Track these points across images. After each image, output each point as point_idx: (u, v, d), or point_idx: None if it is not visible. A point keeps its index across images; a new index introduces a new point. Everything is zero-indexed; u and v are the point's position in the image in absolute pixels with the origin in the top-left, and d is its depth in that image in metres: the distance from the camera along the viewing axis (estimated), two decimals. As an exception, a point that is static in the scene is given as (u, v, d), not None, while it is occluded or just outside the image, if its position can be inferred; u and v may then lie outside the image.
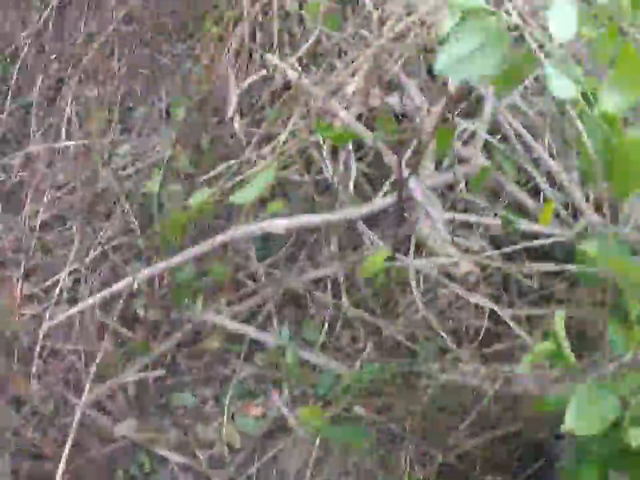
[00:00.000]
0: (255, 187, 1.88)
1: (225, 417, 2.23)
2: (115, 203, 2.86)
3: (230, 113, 2.45)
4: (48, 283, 2.63)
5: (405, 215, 1.83)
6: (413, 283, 1.88)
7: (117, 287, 2.07)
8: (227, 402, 2.25)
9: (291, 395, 2.28)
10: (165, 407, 2.36)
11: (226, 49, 2.68)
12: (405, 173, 1.73)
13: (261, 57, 2.66)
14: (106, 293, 2.08)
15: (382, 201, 1.91)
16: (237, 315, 2.35)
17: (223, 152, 2.57)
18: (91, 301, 2.09)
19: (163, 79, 3.07)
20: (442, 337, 1.96)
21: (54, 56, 3.34)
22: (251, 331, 2.28)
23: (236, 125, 2.50)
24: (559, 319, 1.41)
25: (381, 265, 1.78)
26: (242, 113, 2.64)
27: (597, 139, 1.24)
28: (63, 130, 3.04)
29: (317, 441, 2.13)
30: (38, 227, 2.83)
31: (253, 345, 2.37)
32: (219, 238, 1.89)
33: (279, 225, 1.79)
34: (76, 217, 2.88)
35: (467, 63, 1.10)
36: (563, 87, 1.11)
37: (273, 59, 2.42)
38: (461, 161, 1.95)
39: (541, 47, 1.16)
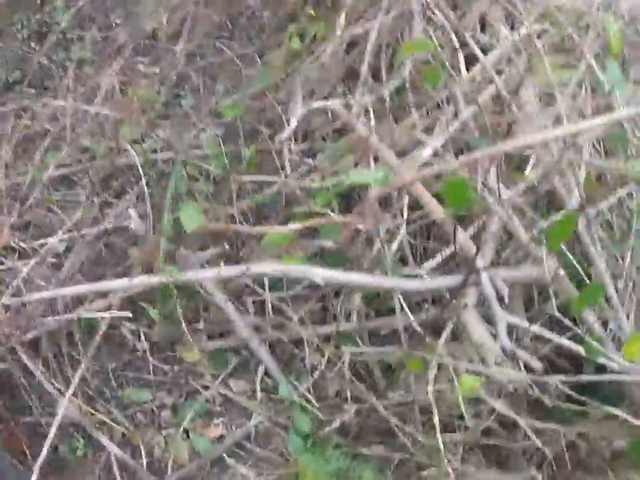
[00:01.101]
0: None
1: (180, 429, 2.08)
2: (131, 182, 2.68)
3: (286, 134, 2.20)
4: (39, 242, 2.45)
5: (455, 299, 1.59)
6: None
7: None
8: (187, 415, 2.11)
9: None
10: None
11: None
12: (478, 259, 1.47)
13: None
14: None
15: (444, 279, 1.64)
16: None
17: (263, 169, 2.34)
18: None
19: (224, 74, 2.84)
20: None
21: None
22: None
23: (287, 148, 2.26)
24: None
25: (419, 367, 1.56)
26: (295, 138, 2.42)
27: None
28: (102, 93, 2.82)
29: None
30: (45, 182, 2.63)
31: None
32: (250, 268, 1.63)
33: (317, 274, 1.53)
34: (86, 185, 2.67)
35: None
36: None
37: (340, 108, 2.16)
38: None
39: None
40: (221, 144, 2.23)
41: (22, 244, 2.50)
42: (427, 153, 1.89)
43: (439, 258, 1.81)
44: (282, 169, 2.23)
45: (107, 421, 2.11)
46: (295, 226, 1.67)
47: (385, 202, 2.12)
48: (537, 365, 1.57)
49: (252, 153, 2.21)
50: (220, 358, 2.23)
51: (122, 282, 1.83)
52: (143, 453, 2.08)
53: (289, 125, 2.12)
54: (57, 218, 2.57)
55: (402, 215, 1.92)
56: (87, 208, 2.50)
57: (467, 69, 2.22)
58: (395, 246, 1.92)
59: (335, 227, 1.96)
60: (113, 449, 2.04)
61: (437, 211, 1.65)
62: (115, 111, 2.64)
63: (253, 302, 2.22)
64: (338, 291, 2.04)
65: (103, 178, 2.68)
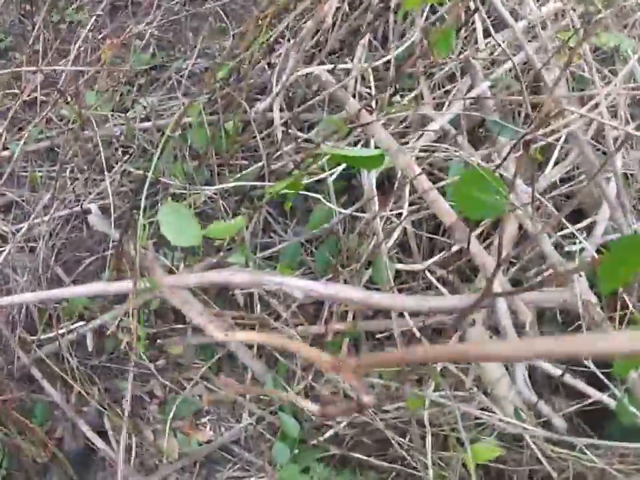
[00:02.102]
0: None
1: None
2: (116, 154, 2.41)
3: (264, 105, 1.90)
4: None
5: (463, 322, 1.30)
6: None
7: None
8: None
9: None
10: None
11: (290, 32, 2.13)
12: (495, 281, 1.17)
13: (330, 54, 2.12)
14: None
15: (450, 300, 1.29)
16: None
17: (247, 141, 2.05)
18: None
19: (214, 37, 2.54)
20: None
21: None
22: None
23: (276, 117, 1.95)
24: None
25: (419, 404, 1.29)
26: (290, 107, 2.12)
27: None
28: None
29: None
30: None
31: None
32: (217, 277, 1.35)
33: (295, 286, 1.23)
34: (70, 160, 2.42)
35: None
36: None
37: (326, 76, 1.83)
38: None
39: None
40: (202, 113, 1.91)
41: (4, 227, 2.31)
42: (433, 128, 1.59)
43: (443, 253, 1.52)
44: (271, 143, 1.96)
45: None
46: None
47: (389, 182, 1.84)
48: (560, 423, 1.28)
49: (235, 123, 1.90)
50: (206, 351, 2.00)
51: (88, 288, 1.56)
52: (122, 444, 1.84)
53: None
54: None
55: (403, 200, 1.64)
56: (63, 186, 2.26)
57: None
58: (394, 237, 1.65)
59: (326, 213, 1.68)
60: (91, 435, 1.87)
61: (445, 213, 1.34)
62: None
63: (242, 294, 2.00)
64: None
65: (87, 151, 2.43)
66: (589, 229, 1.60)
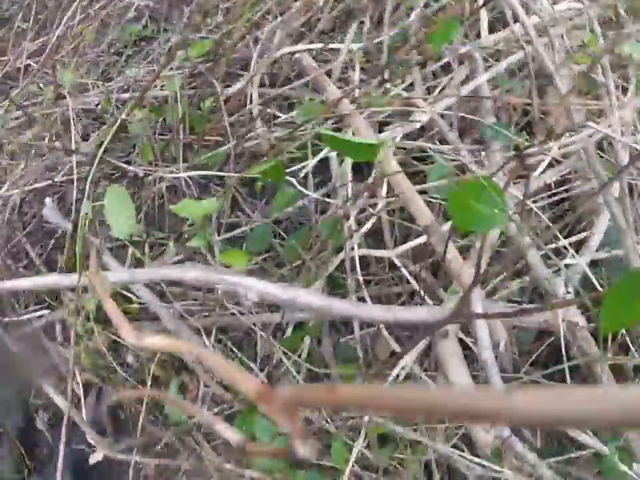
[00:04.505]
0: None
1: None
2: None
3: (237, 87, 1.71)
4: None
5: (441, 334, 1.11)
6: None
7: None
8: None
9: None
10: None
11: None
12: (473, 297, 0.98)
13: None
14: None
15: (421, 311, 1.10)
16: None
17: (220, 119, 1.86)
18: None
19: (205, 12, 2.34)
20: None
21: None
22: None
23: (254, 95, 1.76)
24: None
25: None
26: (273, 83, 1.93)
27: None
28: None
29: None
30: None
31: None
32: (169, 273, 1.17)
33: (251, 287, 1.05)
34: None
35: None
36: None
37: (307, 58, 1.64)
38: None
39: None
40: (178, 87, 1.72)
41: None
42: (420, 118, 1.40)
43: (414, 242, 1.33)
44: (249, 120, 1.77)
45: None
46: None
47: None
48: (531, 458, 1.09)
49: (209, 102, 1.71)
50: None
51: (32, 281, 1.37)
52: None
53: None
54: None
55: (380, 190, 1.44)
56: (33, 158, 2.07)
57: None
58: (367, 226, 1.46)
59: (292, 195, 1.49)
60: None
61: (420, 214, 1.15)
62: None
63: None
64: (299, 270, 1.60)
65: (64, 121, 2.25)
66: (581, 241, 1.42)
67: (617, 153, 1.30)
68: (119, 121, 1.61)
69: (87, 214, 1.17)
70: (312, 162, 1.39)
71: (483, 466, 1.17)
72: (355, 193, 1.31)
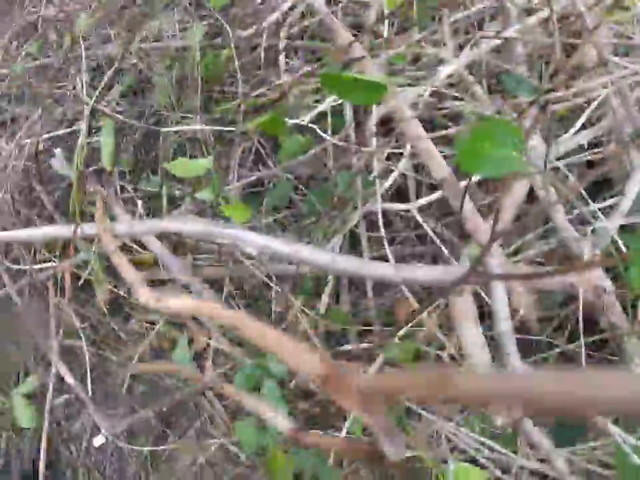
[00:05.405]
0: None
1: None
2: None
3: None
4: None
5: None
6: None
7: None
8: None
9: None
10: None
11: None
12: (492, 256, 0.91)
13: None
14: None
15: (434, 271, 1.03)
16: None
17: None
18: None
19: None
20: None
21: None
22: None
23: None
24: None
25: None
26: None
27: None
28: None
29: None
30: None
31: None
32: (168, 225, 1.11)
33: (250, 240, 0.99)
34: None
35: None
36: None
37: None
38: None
39: None
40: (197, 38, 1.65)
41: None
42: (444, 73, 1.32)
43: (435, 194, 1.26)
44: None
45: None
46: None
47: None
48: (561, 465, 1.01)
49: (226, 53, 1.64)
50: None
51: (29, 232, 1.33)
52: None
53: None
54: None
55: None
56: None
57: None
58: (389, 182, 1.39)
59: (304, 142, 1.42)
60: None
61: (437, 166, 1.07)
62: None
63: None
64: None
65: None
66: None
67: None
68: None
69: (82, 148, 1.12)
70: (323, 106, 1.31)
71: (493, 450, 1.11)
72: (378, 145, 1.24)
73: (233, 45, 1.50)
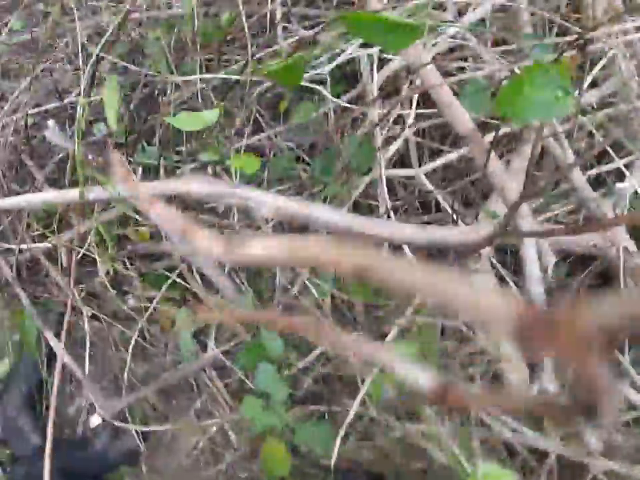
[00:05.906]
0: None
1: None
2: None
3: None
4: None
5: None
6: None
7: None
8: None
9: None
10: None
11: None
12: (522, 214, 0.86)
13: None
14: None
15: (456, 232, 0.98)
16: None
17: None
18: None
19: None
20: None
21: None
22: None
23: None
24: None
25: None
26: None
27: None
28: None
29: None
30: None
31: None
32: (172, 186, 1.06)
33: (260, 200, 0.94)
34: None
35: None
36: None
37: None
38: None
39: None
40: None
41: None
42: (448, 32, 1.27)
43: (441, 159, 1.22)
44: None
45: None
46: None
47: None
48: (594, 442, 0.96)
49: (229, 15, 1.57)
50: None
51: (35, 197, 1.27)
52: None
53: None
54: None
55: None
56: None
57: None
58: (393, 148, 1.35)
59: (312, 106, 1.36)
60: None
61: (460, 120, 1.02)
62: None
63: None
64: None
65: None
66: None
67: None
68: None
69: (83, 109, 1.06)
70: (344, 56, 1.25)
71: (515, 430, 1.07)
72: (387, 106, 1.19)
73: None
